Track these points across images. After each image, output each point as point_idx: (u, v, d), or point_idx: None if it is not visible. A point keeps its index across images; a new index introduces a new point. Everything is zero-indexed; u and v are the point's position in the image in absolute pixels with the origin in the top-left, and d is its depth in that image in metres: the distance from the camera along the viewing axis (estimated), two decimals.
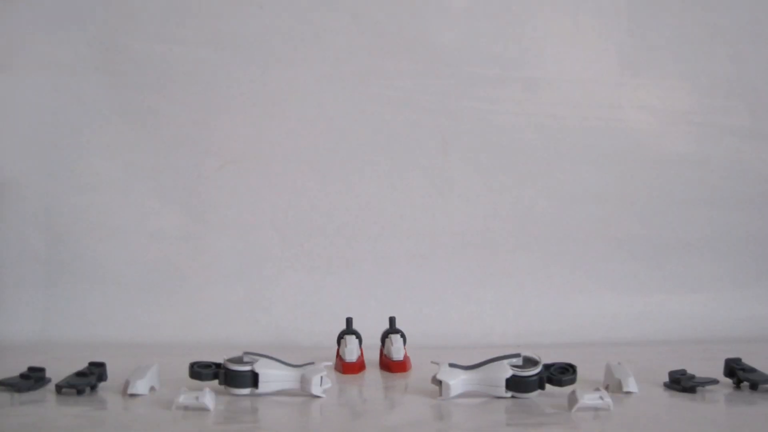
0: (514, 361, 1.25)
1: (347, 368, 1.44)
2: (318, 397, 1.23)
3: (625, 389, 1.26)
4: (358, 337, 1.48)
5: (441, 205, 1.87)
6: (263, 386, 1.24)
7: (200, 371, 1.26)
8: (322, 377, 1.24)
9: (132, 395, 1.23)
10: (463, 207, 1.89)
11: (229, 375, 1.24)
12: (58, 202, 1.84)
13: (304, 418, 1.16)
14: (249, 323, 1.81)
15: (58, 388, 1.26)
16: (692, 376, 1.31)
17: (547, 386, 1.23)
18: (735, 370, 1.32)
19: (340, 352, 1.47)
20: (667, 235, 1.92)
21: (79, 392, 1.25)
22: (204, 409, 1.15)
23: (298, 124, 1.87)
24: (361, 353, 1.47)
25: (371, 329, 1.53)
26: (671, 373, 1.32)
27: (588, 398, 1.15)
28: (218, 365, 1.26)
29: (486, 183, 1.90)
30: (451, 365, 1.23)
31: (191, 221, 1.85)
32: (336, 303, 1.78)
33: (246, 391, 1.24)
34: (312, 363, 1.26)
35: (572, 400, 1.16)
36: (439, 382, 1.21)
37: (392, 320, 1.51)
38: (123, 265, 1.84)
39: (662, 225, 1.93)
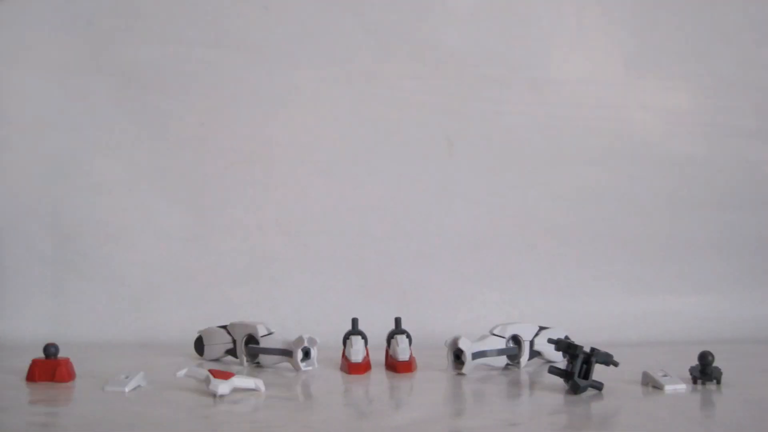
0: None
1: (353, 369, 1.44)
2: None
3: None
4: (364, 337, 1.48)
5: (446, 206, 1.87)
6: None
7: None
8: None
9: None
10: (468, 207, 1.89)
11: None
12: (64, 203, 1.84)
13: (309, 418, 1.16)
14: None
15: None
16: None
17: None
18: None
19: (346, 353, 1.47)
20: (672, 235, 1.92)
21: None
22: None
23: (304, 125, 1.87)
24: (367, 354, 1.47)
25: (377, 330, 1.54)
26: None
27: None
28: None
29: (491, 183, 1.90)
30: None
31: (197, 222, 1.86)
32: (341, 303, 1.79)
33: None
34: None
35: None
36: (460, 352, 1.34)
37: (398, 321, 1.51)
38: (129, 265, 1.84)
39: (667, 226, 1.93)
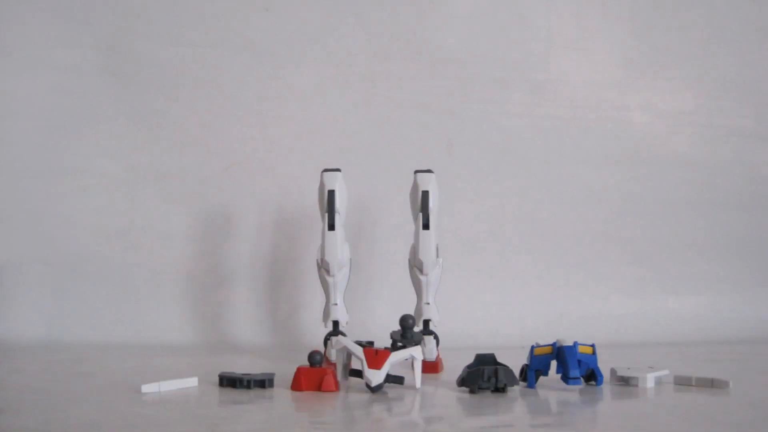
0: None
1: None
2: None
3: None
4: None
5: (446, 207, 1.86)
6: None
7: None
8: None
9: None
10: (468, 208, 1.89)
11: None
12: (64, 204, 1.84)
13: (310, 419, 1.16)
14: (254, 324, 1.82)
15: None
16: None
17: None
18: None
19: (327, 354, 1.48)
20: (671, 236, 1.92)
21: None
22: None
23: (304, 126, 1.87)
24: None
25: (378, 329, 1.53)
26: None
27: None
28: None
29: (491, 185, 1.90)
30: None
31: (197, 223, 1.86)
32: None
33: None
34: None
35: None
36: None
37: (426, 322, 1.50)
38: (129, 266, 1.84)
39: (667, 226, 1.93)
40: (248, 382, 1.28)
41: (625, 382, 1.32)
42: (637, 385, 1.30)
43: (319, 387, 1.27)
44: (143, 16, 1.85)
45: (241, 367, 1.38)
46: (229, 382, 1.29)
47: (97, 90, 1.84)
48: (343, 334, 1.48)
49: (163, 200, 1.85)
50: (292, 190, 1.86)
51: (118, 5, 1.85)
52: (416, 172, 1.51)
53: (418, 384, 1.30)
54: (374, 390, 1.26)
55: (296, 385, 1.28)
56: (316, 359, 1.29)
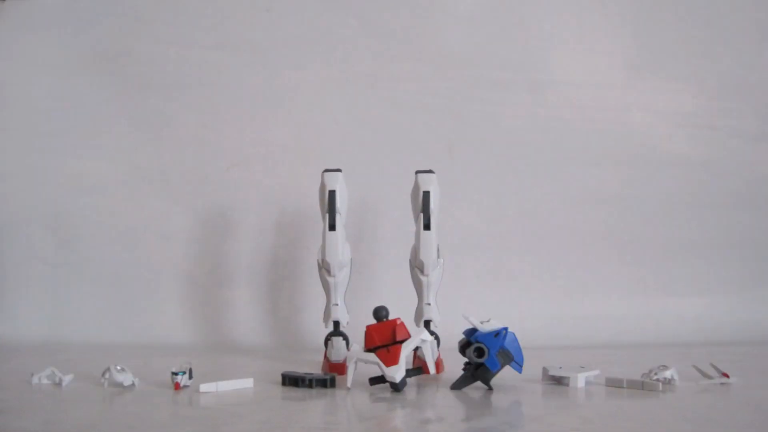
0: None
1: (333, 369, 1.45)
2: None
3: None
4: (345, 339, 1.49)
5: (447, 207, 1.87)
6: None
7: None
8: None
9: None
10: (469, 209, 1.89)
11: None
12: (65, 204, 1.85)
13: (309, 420, 1.16)
14: (255, 325, 1.82)
15: None
16: None
17: None
18: None
19: (327, 354, 1.48)
20: (672, 237, 1.92)
21: None
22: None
23: (305, 127, 1.88)
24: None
25: None
26: None
27: None
28: None
29: (492, 185, 1.90)
30: None
31: (198, 223, 1.86)
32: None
33: None
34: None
35: None
36: None
37: (427, 323, 1.51)
38: (130, 267, 1.84)
39: (667, 227, 1.93)
40: (310, 381, 1.30)
41: (556, 381, 1.33)
42: (567, 385, 1.31)
43: (393, 338, 1.28)
44: (144, 17, 1.86)
45: (245, 366, 1.39)
46: (291, 381, 1.31)
47: (98, 91, 1.85)
48: (344, 335, 1.49)
49: (164, 201, 1.86)
50: (292, 191, 1.86)
51: (119, 7, 1.86)
52: (417, 172, 1.52)
53: (431, 368, 1.30)
54: (400, 387, 1.26)
55: (370, 342, 1.29)
56: (382, 314, 1.31)
